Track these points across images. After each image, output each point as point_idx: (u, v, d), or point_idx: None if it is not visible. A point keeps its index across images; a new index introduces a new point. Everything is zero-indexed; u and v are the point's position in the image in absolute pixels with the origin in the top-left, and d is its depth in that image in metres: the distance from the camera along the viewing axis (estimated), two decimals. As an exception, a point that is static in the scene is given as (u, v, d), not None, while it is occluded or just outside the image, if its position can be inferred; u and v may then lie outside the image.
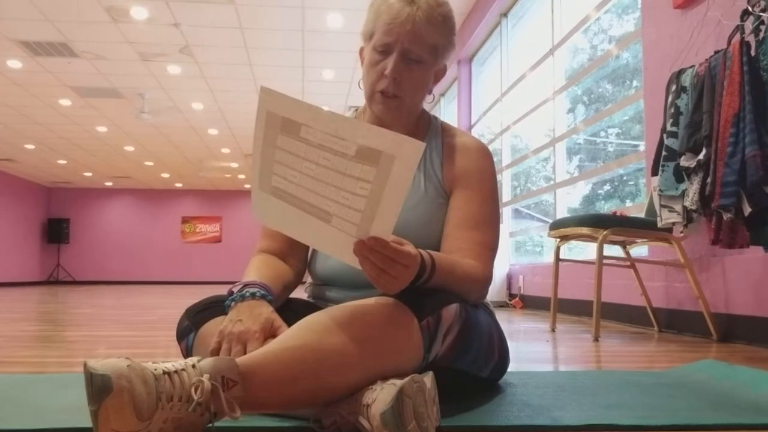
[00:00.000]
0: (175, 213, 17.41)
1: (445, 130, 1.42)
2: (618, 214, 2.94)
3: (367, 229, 0.91)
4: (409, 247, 0.97)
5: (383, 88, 1.26)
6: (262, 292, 1.14)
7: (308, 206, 0.95)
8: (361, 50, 1.35)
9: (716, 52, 2.42)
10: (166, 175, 15.38)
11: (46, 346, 2.29)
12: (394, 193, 0.87)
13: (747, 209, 2.16)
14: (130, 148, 12.24)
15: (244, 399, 0.88)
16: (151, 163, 13.81)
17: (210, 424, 0.86)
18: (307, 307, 1.33)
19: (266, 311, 1.10)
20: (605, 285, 3.64)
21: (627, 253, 3.27)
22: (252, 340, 1.04)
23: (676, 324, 3.12)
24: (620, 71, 4.68)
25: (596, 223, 2.84)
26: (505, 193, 6.32)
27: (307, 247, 1.41)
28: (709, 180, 2.30)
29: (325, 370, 0.94)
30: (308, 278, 1.47)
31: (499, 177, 6.31)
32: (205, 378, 0.84)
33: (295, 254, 1.37)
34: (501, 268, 5.78)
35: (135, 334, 2.81)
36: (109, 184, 16.70)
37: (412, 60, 1.26)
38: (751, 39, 2.30)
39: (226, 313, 1.13)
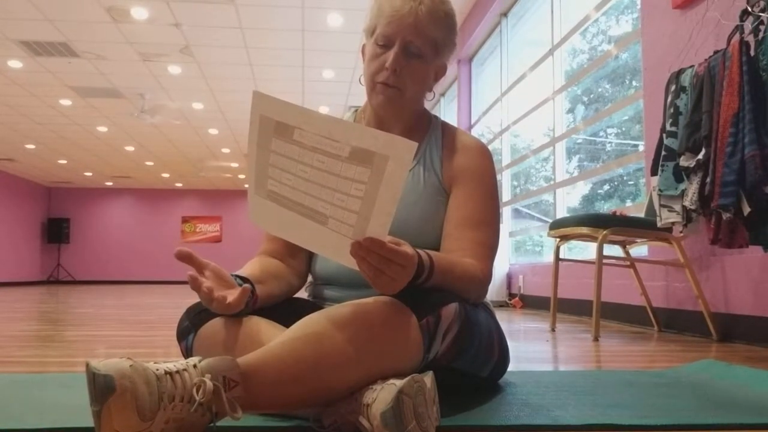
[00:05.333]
0: (175, 213, 17.41)
1: (445, 129, 1.42)
2: (618, 213, 2.94)
3: (363, 230, 0.91)
4: (406, 247, 0.97)
5: (383, 79, 1.27)
6: (239, 281, 1.14)
7: (304, 209, 0.95)
8: (364, 47, 1.36)
9: (716, 52, 2.42)
10: (166, 175, 15.39)
11: (47, 346, 2.30)
12: (389, 194, 0.87)
13: (746, 209, 2.16)
14: (130, 148, 12.24)
15: (245, 399, 0.88)
16: (151, 163, 13.81)
17: (211, 425, 0.86)
18: (308, 306, 1.34)
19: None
20: (605, 285, 3.64)
21: (627, 252, 3.28)
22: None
23: (676, 324, 3.12)
24: (620, 71, 4.68)
25: (596, 222, 2.85)
26: (505, 193, 6.33)
27: (309, 250, 1.41)
28: (708, 180, 2.31)
29: (326, 370, 0.94)
30: (309, 277, 1.47)
31: (499, 177, 6.31)
32: (207, 378, 0.84)
33: (296, 256, 1.37)
34: (501, 267, 5.78)
35: (135, 334, 2.81)
36: (109, 183, 16.70)
37: (412, 54, 1.27)
38: (750, 39, 2.30)
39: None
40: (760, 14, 2.24)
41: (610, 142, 5.19)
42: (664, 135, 2.61)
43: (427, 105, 1.46)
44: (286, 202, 0.97)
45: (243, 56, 7.37)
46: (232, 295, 1.04)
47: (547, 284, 4.85)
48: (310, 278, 1.46)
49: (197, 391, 0.83)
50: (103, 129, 10.65)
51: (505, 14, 6.33)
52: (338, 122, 0.87)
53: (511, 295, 5.76)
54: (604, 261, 2.91)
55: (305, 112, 0.88)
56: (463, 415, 1.10)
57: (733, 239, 2.32)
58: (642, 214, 3.04)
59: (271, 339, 1.04)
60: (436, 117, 1.46)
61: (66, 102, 9.03)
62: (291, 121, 0.90)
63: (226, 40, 6.87)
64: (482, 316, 1.20)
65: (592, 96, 5.25)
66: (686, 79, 2.56)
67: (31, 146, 12.02)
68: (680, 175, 2.52)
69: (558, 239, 3.21)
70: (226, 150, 12.33)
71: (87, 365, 0.79)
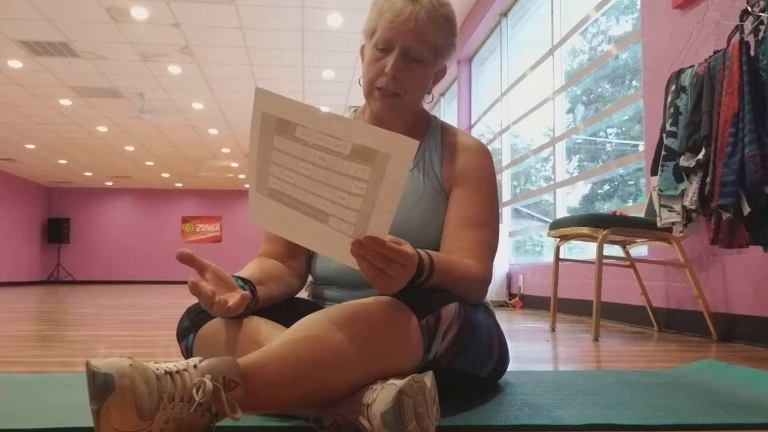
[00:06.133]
0: (175, 213, 17.41)
1: (444, 130, 1.42)
2: (618, 213, 2.94)
3: (363, 229, 0.91)
4: (407, 247, 0.97)
5: (382, 85, 1.27)
6: (240, 282, 1.14)
7: (305, 207, 0.95)
8: (362, 48, 1.36)
9: (715, 52, 2.42)
10: (166, 175, 15.39)
11: (47, 346, 2.30)
12: (390, 192, 0.87)
13: (746, 209, 2.16)
14: (130, 148, 12.24)
15: (245, 400, 0.88)
16: (151, 163, 13.81)
17: (211, 425, 0.86)
18: (309, 306, 1.33)
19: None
20: (605, 285, 3.64)
21: (627, 252, 3.28)
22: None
23: (676, 324, 3.12)
24: (620, 71, 4.68)
25: (596, 222, 2.84)
26: (505, 193, 6.33)
27: (309, 250, 1.41)
28: (708, 180, 2.31)
29: (326, 370, 0.94)
30: (309, 277, 1.47)
31: (499, 177, 6.31)
32: (207, 379, 0.84)
33: (296, 257, 1.37)
34: (501, 267, 5.78)
35: (135, 334, 2.81)
36: (109, 183, 16.70)
37: (412, 59, 1.27)
38: (750, 39, 2.30)
39: None
40: (760, 14, 2.24)
41: (610, 142, 5.19)
42: (664, 135, 2.61)
43: (426, 106, 1.46)
44: (288, 200, 0.97)
45: (243, 56, 7.37)
46: (232, 299, 1.04)
47: (547, 284, 4.85)
48: (310, 278, 1.46)
49: (197, 392, 0.83)
50: (103, 129, 10.65)
51: (505, 14, 6.33)
52: (340, 119, 0.86)
53: (511, 295, 5.76)
54: (604, 261, 2.91)
55: (307, 109, 0.88)
56: (463, 415, 1.10)
57: (733, 239, 2.32)
58: (642, 214, 3.04)
59: (272, 339, 1.04)
60: (435, 117, 1.46)
61: (66, 102, 9.03)
62: (293, 118, 0.89)
63: (226, 40, 6.87)
64: (482, 317, 1.20)
65: (592, 96, 5.25)
66: (686, 79, 2.56)
67: (31, 146, 12.02)
68: (680, 175, 2.52)
69: (558, 239, 3.20)
70: (226, 150, 12.33)
71: (87, 364, 0.79)
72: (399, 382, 0.89)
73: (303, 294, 1.46)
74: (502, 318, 4.11)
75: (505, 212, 6.29)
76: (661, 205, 2.61)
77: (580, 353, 2.24)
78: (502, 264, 5.78)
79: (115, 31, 6.60)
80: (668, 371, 1.72)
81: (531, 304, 5.33)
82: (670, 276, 3.19)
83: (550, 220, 3.72)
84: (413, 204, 1.33)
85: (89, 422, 0.82)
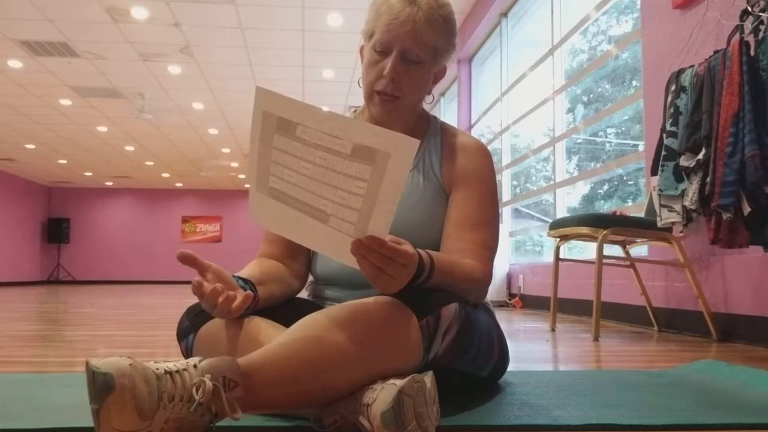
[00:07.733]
0: (175, 213, 17.42)
1: (444, 130, 1.42)
2: (618, 213, 2.94)
3: (364, 229, 0.91)
4: (407, 247, 0.97)
5: (381, 88, 1.26)
6: (240, 282, 1.14)
7: (305, 206, 0.95)
8: (362, 49, 1.35)
9: (716, 52, 2.43)
10: (166, 175, 15.39)
11: (47, 346, 2.30)
12: (390, 191, 0.87)
13: (746, 209, 2.16)
14: (130, 148, 12.25)
15: (245, 399, 0.88)
16: (151, 163, 13.81)
17: (211, 425, 0.86)
18: (309, 306, 1.33)
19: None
20: (605, 285, 3.64)
21: (627, 252, 3.28)
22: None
23: (676, 324, 3.12)
24: (620, 71, 4.68)
25: (596, 222, 2.84)
26: (505, 193, 6.33)
27: (308, 251, 1.41)
28: (708, 180, 2.31)
29: (325, 370, 0.94)
30: (309, 277, 1.47)
31: (499, 177, 6.31)
32: (207, 378, 0.84)
33: (296, 258, 1.37)
34: (501, 267, 5.78)
35: (135, 334, 2.81)
36: (109, 183, 16.70)
37: (411, 61, 1.26)
38: (750, 39, 2.30)
39: None
40: (760, 14, 2.24)
41: (609, 142, 5.19)
42: (664, 135, 2.61)
43: (426, 106, 1.46)
44: (288, 199, 0.97)
45: (243, 56, 7.37)
46: (237, 298, 1.04)
47: (547, 284, 4.85)
48: (310, 278, 1.46)
49: (197, 391, 0.83)
50: (103, 129, 10.65)
51: (505, 14, 6.33)
52: (340, 119, 0.86)
53: (511, 295, 5.76)
54: (604, 261, 2.91)
55: (308, 108, 0.88)
56: (463, 415, 1.10)
57: (733, 239, 2.33)
58: (642, 214, 3.04)
59: (272, 339, 1.04)
60: (435, 118, 1.46)
61: (66, 102, 9.04)
62: (293, 117, 0.89)
63: (226, 40, 6.87)
64: (482, 317, 1.20)
65: (592, 96, 5.25)
66: (686, 79, 2.56)
67: (31, 146, 12.02)
68: (680, 175, 2.52)
69: (558, 239, 3.20)
70: (226, 150, 12.33)
71: (87, 364, 0.79)
72: (399, 382, 0.89)
73: (303, 294, 1.46)
74: (502, 318, 4.11)
75: (505, 212, 6.29)
76: (661, 205, 2.61)
77: (580, 353, 2.24)
78: (502, 264, 5.78)
79: (115, 31, 6.60)
80: (668, 371, 1.72)
81: (531, 304, 5.33)
82: (670, 276, 3.19)
83: (550, 220, 3.73)
84: (413, 205, 1.32)
85: (89, 422, 0.82)
